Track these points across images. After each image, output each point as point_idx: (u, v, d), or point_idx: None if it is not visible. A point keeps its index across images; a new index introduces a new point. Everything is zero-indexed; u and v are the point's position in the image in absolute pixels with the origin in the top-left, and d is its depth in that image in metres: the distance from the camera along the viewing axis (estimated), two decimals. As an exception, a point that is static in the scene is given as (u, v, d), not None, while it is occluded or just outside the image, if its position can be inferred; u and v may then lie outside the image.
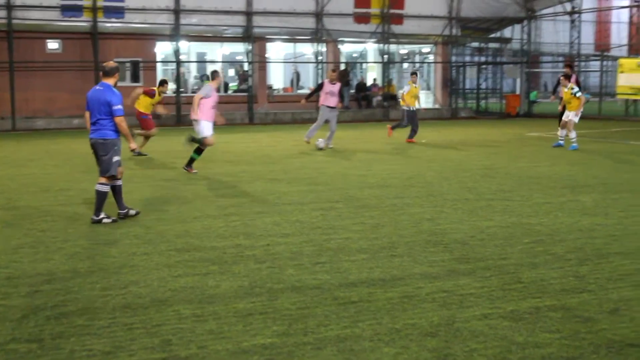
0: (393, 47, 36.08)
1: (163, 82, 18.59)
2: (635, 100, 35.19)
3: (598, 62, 48.79)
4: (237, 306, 6.27)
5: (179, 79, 31.83)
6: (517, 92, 40.51)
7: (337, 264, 7.63)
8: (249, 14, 31.80)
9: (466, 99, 40.68)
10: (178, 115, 30.56)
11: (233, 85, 35.53)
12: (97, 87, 9.90)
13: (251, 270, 7.43)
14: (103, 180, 9.87)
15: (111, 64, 10.09)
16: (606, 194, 12.07)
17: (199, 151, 14.84)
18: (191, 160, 14.86)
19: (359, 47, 39.26)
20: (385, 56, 35.18)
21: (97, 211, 9.85)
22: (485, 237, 8.94)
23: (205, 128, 14.69)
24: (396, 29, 34.87)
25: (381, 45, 35.09)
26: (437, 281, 6.98)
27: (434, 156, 17.90)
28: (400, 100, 22.37)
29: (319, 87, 20.04)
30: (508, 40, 40.82)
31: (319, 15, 33.03)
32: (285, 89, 36.38)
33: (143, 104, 17.82)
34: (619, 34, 51.15)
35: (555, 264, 7.62)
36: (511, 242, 8.66)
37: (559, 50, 43.78)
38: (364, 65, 41.00)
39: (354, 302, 6.35)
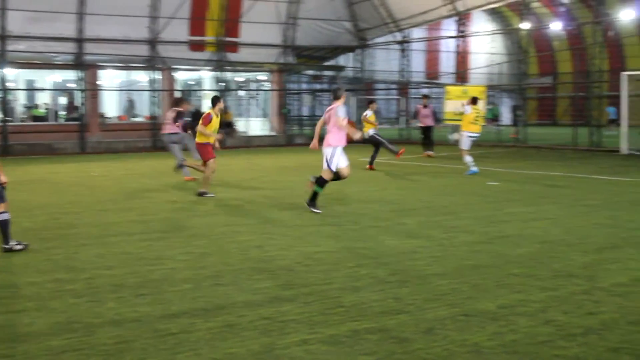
0: (229, 75, 36.16)
1: (217, 99, 15.67)
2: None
3: (428, 90, 51.02)
4: (51, 344, 6.01)
5: (5, 107, 30.50)
6: (352, 118, 41.50)
7: (160, 295, 7.47)
8: (80, 40, 31.00)
9: (302, 125, 41.25)
10: (4, 146, 29.28)
11: (63, 113, 34.44)
12: None
13: (69, 305, 7.15)
14: (1, 208, 9.67)
15: None
16: (430, 217, 12.50)
17: (322, 182, 13.08)
18: (314, 196, 13.10)
19: (194, 75, 39.02)
20: (222, 84, 35.19)
21: (6, 238, 9.72)
22: (312, 262, 9.03)
23: (339, 156, 13.05)
24: (232, 56, 35.02)
25: (217, 73, 35.10)
26: (260, 309, 6.96)
27: (268, 183, 17.98)
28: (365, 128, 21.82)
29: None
30: (342, 68, 41.84)
31: (153, 42, 32.65)
32: (120, 117, 35.57)
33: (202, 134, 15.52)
34: (448, 63, 53.59)
35: (376, 287, 7.78)
36: (337, 266, 8.78)
37: (392, 77, 45.29)
38: (200, 92, 40.79)
39: (174, 334, 6.23)
